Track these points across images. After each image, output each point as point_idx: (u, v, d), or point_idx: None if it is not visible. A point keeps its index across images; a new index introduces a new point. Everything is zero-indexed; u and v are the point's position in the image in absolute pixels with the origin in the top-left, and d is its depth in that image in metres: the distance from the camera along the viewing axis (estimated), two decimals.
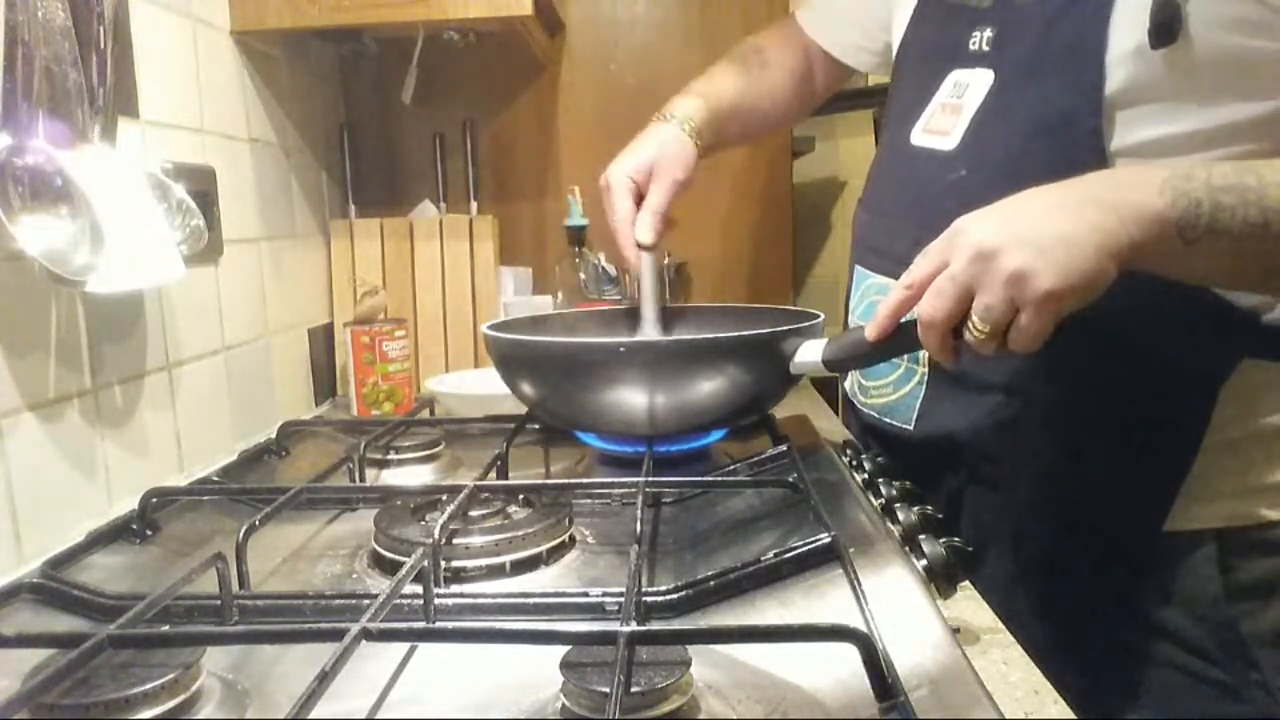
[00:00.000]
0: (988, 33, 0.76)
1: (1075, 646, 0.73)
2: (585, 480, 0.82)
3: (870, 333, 0.68)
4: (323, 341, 1.32)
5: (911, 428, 0.80)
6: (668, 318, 1.04)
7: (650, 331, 0.94)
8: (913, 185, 0.81)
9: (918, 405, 0.79)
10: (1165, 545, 0.71)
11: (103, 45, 0.73)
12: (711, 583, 0.55)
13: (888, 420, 0.83)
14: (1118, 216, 0.57)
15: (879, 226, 0.86)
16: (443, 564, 0.59)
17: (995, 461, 0.76)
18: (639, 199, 0.91)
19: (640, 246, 0.90)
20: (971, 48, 0.77)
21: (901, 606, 0.52)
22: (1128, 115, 0.66)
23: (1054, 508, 0.74)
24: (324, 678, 0.41)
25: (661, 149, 0.92)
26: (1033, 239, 0.57)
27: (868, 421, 0.86)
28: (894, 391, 0.81)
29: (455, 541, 0.61)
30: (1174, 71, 0.64)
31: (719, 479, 0.79)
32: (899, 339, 0.68)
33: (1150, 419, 0.70)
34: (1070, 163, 0.64)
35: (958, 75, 0.78)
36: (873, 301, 0.84)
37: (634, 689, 0.42)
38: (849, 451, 0.83)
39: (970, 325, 0.60)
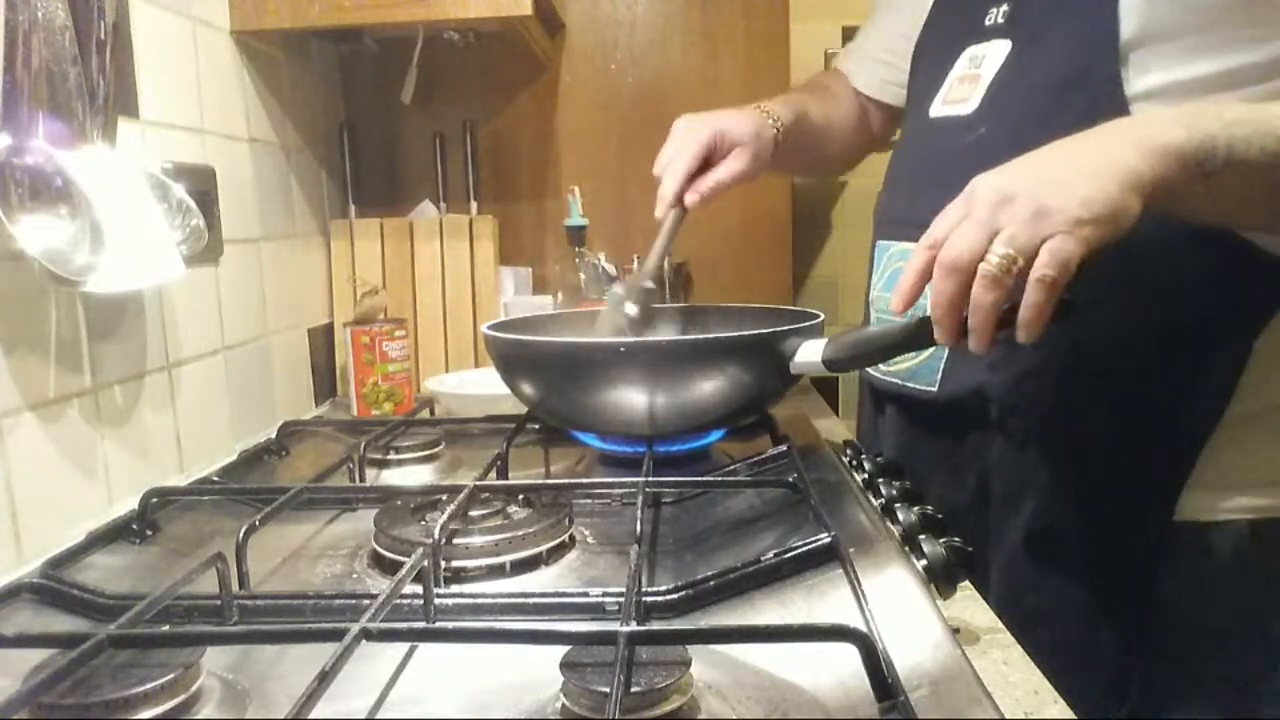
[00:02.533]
0: (1004, 8, 0.77)
1: (1095, 636, 0.72)
2: (585, 480, 0.82)
3: (895, 303, 0.65)
4: (323, 341, 1.32)
5: (936, 389, 0.79)
6: (667, 318, 1.04)
7: (644, 280, 0.92)
8: (932, 153, 0.81)
9: (941, 366, 0.78)
10: (1193, 536, 0.70)
11: (103, 45, 0.73)
12: (711, 583, 0.55)
13: (911, 385, 0.82)
14: (1136, 150, 0.57)
15: (899, 198, 0.86)
16: (443, 564, 0.59)
17: (1021, 414, 0.74)
18: (705, 159, 0.90)
19: (679, 204, 0.89)
20: (988, 23, 0.78)
21: (901, 606, 0.52)
22: (1142, 59, 0.67)
23: (1081, 463, 0.73)
24: (324, 678, 0.41)
25: (756, 139, 0.91)
26: (1050, 178, 0.57)
27: (888, 390, 0.85)
28: (916, 356, 0.81)
29: (455, 541, 0.61)
30: (1185, 13, 0.65)
31: (719, 479, 0.79)
32: (912, 333, 0.67)
33: (1181, 368, 0.69)
34: (1090, 111, 0.64)
35: (973, 50, 0.79)
36: (897, 268, 0.83)
37: (634, 689, 0.42)
38: (849, 451, 0.83)
39: (988, 258, 0.57)
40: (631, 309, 0.90)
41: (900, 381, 0.83)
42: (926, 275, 0.62)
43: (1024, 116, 0.72)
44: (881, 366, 0.86)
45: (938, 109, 0.81)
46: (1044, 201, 0.56)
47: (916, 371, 0.81)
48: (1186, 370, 0.69)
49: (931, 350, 0.78)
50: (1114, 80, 0.67)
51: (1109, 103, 0.66)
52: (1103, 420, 0.72)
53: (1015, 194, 0.57)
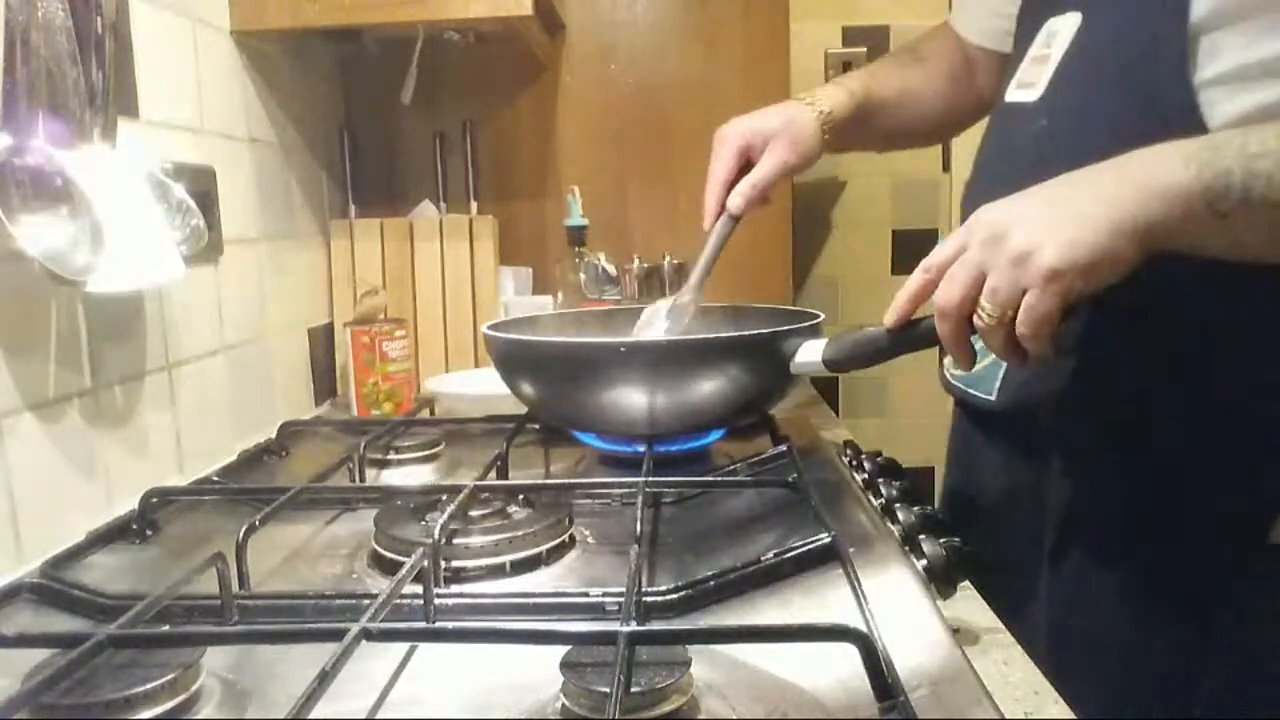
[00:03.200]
0: None
1: (1149, 662, 0.67)
2: (585, 480, 0.82)
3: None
4: (323, 341, 1.32)
5: (994, 398, 0.76)
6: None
7: (687, 295, 0.92)
8: (1000, 144, 0.78)
9: (1000, 375, 0.75)
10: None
11: (103, 45, 0.73)
12: (711, 583, 0.55)
13: (972, 391, 0.79)
14: (1136, 193, 0.55)
15: (971, 190, 0.82)
16: (443, 564, 0.59)
17: (1077, 432, 0.71)
18: (745, 163, 0.89)
19: (728, 213, 0.89)
20: None
21: (901, 606, 0.52)
22: (1214, 42, 0.61)
23: (1139, 485, 0.67)
24: (324, 678, 0.41)
25: (788, 125, 0.88)
26: (1042, 218, 0.56)
27: (954, 392, 0.83)
28: (980, 360, 0.76)
29: (455, 541, 0.61)
30: None
31: (719, 479, 0.79)
32: (912, 335, 0.67)
33: (1254, 401, 0.63)
34: (1151, 101, 0.61)
35: (1052, 23, 0.74)
36: None
37: (634, 689, 0.42)
38: (849, 451, 0.83)
39: (979, 311, 0.59)
40: (662, 325, 0.90)
41: (963, 386, 0.81)
42: (921, 297, 0.64)
43: (1083, 108, 0.68)
44: (951, 369, 0.84)
45: (1011, 93, 0.76)
46: (1028, 246, 0.56)
47: (979, 379, 0.78)
48: (1260, 385, 0.63)
49: (993, 358, 0.74)
50: (1179, 64, 0.61)
51: (1173, 90, 0.61)
52: (1161, 441, 0.66)
53: (1005, 232, 0.57)
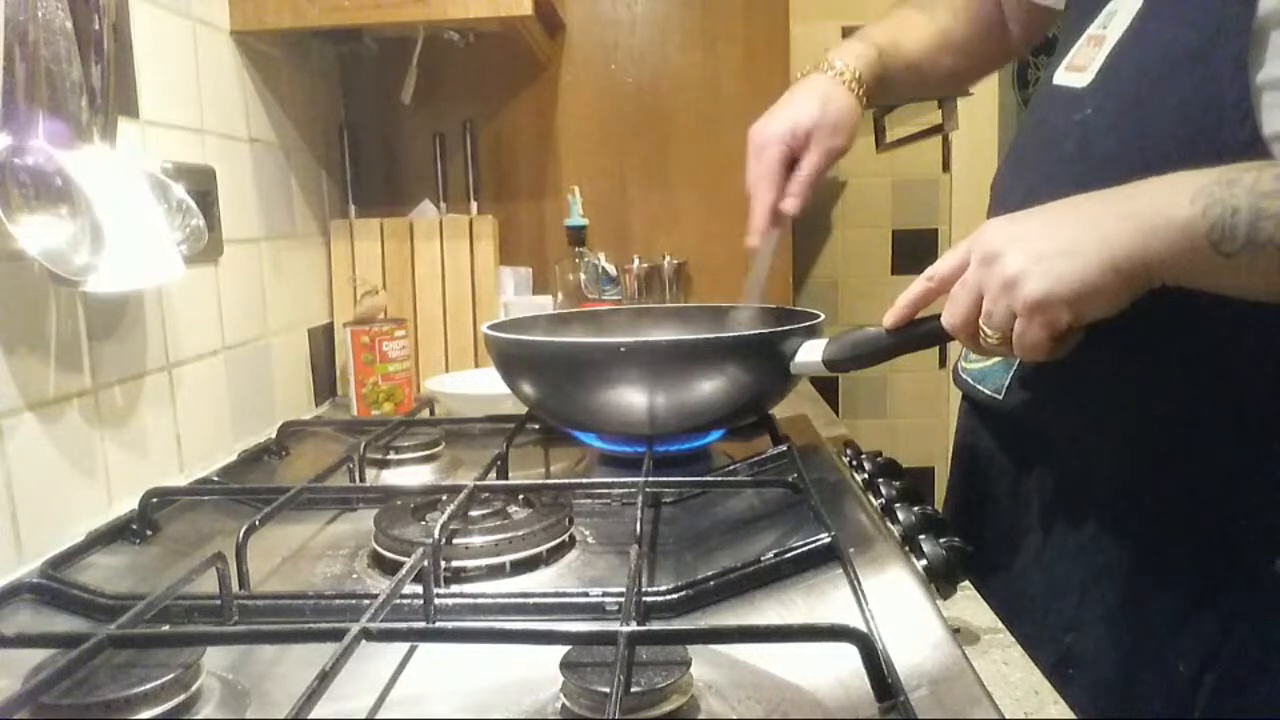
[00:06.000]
0: None
1: (1136, 687, 0.65)
2: (585, 480, 0.82)
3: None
4: (323, 341, 1.32)
5: (1001, 397, 0.74)
6: (667, 318, 1.04)
7: (754, 296, 0.90)
8: (1040, 129, 0.74)
9: (1010, 375, 0.73)
10: None
11: (103, 45, 0.73)
12: (711, 583, 0.55)
13: (980, 387, 0.77)
14: (1139, 230, 0.53)
15: (1004, 177, 0.79)
16: (443, 564, 0.59)
17: (1082, 441, 0.69)
18: (790, 161, 0.85)
19: (779, 216, 0.85)
20: None
21: (901, 606, 0.52)
22: None
23: (1143, 508, 0.65)
24: (324, 678, 0.41)
25: (825, 110, 0.83)
26: (1036, 245, 0.55)
27: (965, 388, 0.81)
28: (991, 356, 0.75)
29: (455, 541, 0.61)
30: None
31: (719, 479, 0.79)
32: (912, 335, 0.67)
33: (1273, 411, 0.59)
34: (1204, 100, 0.56)
35: (1113, 3, 0.68)
36: None
37: (634, 689, 0.42)
38: (849, 451, 0.83)
39: (981, 330, 0.59)
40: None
41: (973, 381, 0.79)
42: (920, 304, 0.65)
43: (1132, 98, 0.63)
44: (963, 361, 0.82)
45: (1060, 75, 0.71)
46: (1016, 273, 0.55)
47: (988, 374, 0.77)
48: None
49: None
50: (1238, 61, 0.55)
51: (1230, 90, 0.56)
52: (1168, 447, 0.64)
53: (1002, 253, 0.57)
